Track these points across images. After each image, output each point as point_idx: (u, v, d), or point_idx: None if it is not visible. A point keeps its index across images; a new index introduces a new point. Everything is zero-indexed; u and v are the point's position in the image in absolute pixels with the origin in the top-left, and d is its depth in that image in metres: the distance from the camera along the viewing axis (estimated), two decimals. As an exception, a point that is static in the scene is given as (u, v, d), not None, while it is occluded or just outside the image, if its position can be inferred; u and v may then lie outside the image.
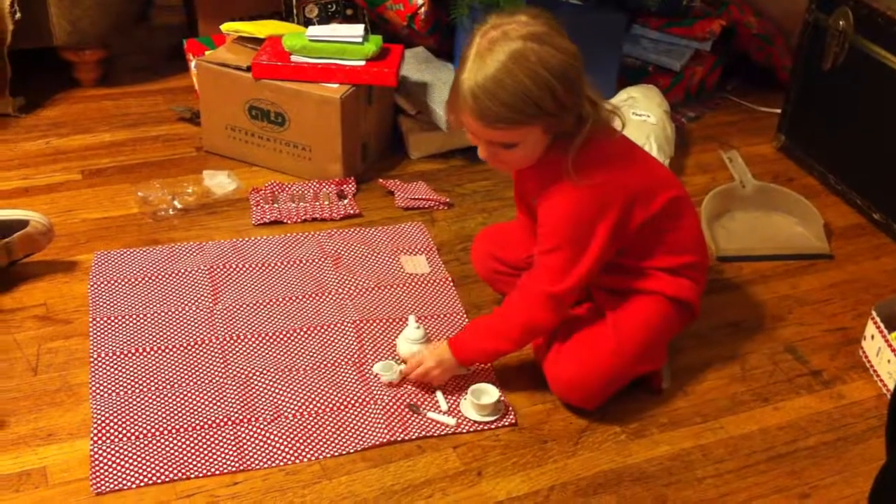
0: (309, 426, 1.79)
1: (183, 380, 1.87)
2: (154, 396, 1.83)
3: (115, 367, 1.89)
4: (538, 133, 1.67)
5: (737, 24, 3.09)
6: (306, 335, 2.00)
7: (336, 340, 1.99)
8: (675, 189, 1.84)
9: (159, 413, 1.79)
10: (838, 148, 2.62)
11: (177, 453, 1.71)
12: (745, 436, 1.84)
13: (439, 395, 1.87)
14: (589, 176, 1.69)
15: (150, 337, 1.97)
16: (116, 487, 1.65)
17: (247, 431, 1.77)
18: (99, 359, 1.91)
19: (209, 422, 1.78)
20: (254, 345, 1.97)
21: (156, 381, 1.86)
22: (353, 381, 1.89)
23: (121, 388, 1.84)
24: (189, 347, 1.95)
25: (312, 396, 1.85)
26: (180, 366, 1.90)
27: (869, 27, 2.43)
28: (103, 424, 1.75)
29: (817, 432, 1.86)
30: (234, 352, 1.95)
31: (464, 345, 1.82)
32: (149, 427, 1.76)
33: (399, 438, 1.78)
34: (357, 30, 2.50)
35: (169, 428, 1.76)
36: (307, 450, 1.74)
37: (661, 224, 1.79)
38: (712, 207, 2.45)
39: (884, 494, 1.39)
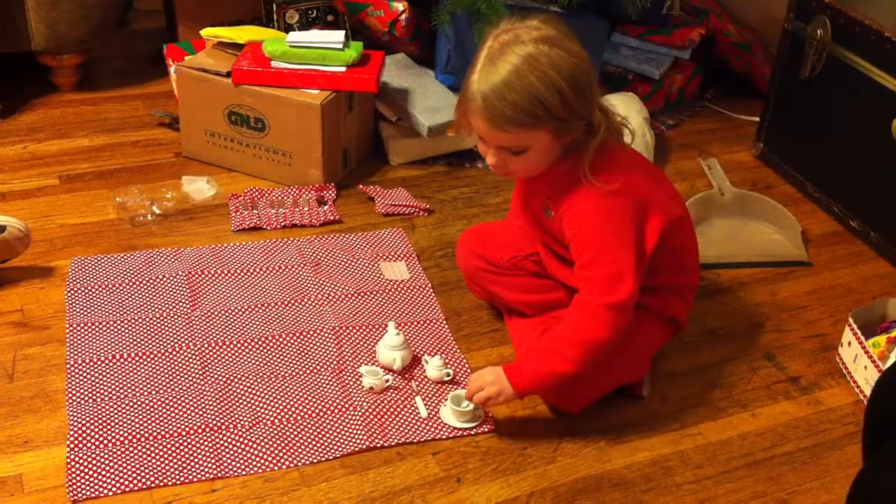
0: (288, 433, 1.78)
1: (161, 386, 1.86)
2: (131, 403, 1.81)
3: (92, 373, 1.87)
4: (547, 139, 1.66)
5: (716, 33, 3.11)
6: (285, 341, 2.00)
7: (315, 347, 1.99)
8: (683, 206, 1.87)
9: (137, 420, 1.78)
10: (816, 156, 2.64)
11: (154, 460, 1.70)
12: (723, 442, 1.85)
13: (418, 400, 1.86)
14: (608, 181, 1.69)
15: (128, 343, 1.96)
16: (93, 495, 1.64)
17: (225, 438, 1.76)
18: (76, 365, 1.89)
19: (187, 428, 1.77)
20: (232, 351, 1.96)
21: (133, 387, 1.85)
22: (333, 387, 1.89)
23: (98, 394, 1.83)
24: (167, 354, 1.94)
25: (291, 403, 1.84)
26: (158, 372, 1.89)
27: (847, 36, 2.45)
28: (80, 431, 1.74)
29: (795, 438, 1.87)
30: (212, 358, 1.94)
31: (518, 370, 1.73)
32: (126, 434, 1.75)
33: (378, 445, 1.77)
34: (338, 36, 2.50)
35: (146, 435, 1.75)
36: (286, 457, 1.74)
37: (669, 241, 1.79)
38: (691, 215, 2.44)
39: (860, 500, 1.40)
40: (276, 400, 1.85)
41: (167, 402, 1.82)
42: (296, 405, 1.84)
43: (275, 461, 1.73)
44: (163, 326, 2.01)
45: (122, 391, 1.84)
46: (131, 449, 1.72)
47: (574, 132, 1.68)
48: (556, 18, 1.68)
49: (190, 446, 1.74)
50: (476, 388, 1.76)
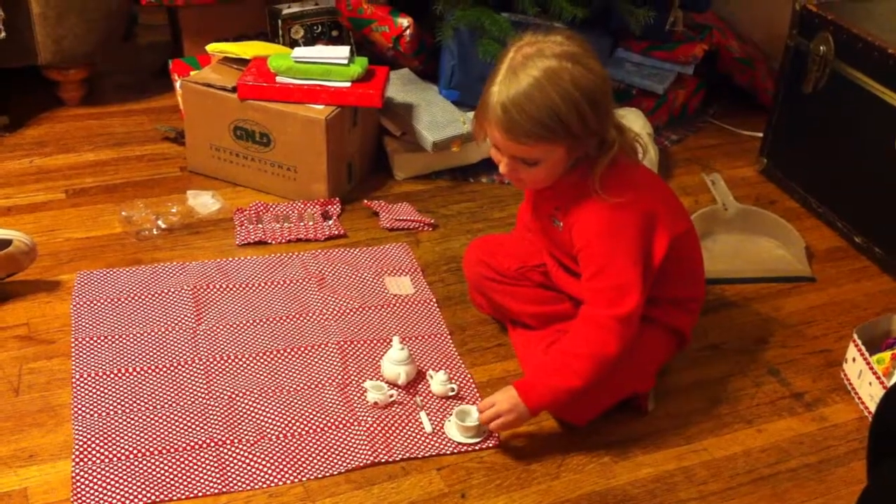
0: (292, 448, 1.78)
1: (166, 401, 1.86)
2: (136, 417, 1.82)
3: (98, 387, 1.88)
4: (561, 153, 1.68)
5: (719, 48, 3.12)
6: (290, 356, 2.00)
7: (320, 361, 1.99)
8: (689, 220, 1.88)
9: (142, 434, 1.78)
10: (819, 171, 2.64)
11: (159, 475, 1.70)
12: (728, 458, 1.85)
13: (423, 415, 1.86)
14: (617, 194, 1.71)
15: (133, 357, 1.96)
16: (98, 509, 1.64)
17: (230, 453, 1.76)
18: (81, 379, 1.89)
19: (192, 443, 1.77)
20: (237, 365, 1.96)
21: (138, 401, 1.85)
22: (337, 402, 1.89)
23: (103, 408, 1.83)
24: (172, 368, 1.94)
25: (296, 418, 1.84)
26: (163, 387, 1.89)
27: (849, 52, 2.46)
28: (85, 445, 1.74)
29: (800, 454, 1.86)
30: (217, 373, 1.94)
31: (530, 386, 1.73)
32: (131, 448, 1.75)
33: (383, 460, 1.77)
34: (342, 51, 2.51)
35: (151, 449, 1.75)
36: (291, 471, 1.74)
37: (675, 254, 1.80)
38: (695, 230, 2.46)
39: (866, 517, 1.40)
40: (280, 414, 1.85)
41: (172, 416, 1.82)
42: (300, 420, 1.84)
43: (280, 476, 1.73)
44: (168, 341, 2.01)
45: (127, 405, 1.84)
46: (136, 463, 1.72)
47: (587, 148, 1.70)
48: (580, 36, 1.70)
49: (195, 461, 1.74)
50: (493, 416, 1.75)
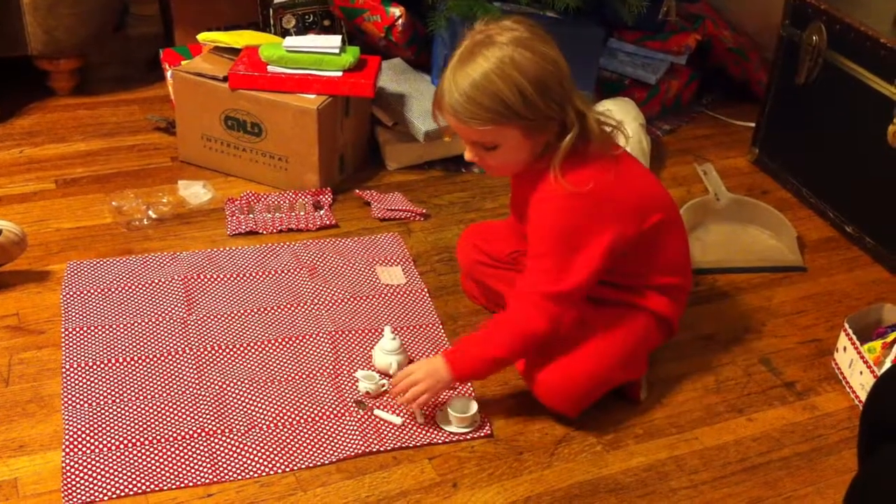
0: (284, 437, 1.78)
1: (156, 391, 1.86)
2: (127, 407, 1.81)
3: (88, 377, 1.87)
4: (517, 136, 1.69)
5: (712, 39, 3.11)
6: (281, 346, 1.99)
7: (311, 351, 1.99)
8: (667, 211, 1.85)
9: (132, 424, 1.78)
10: (812, 161, 2.64)
11: (150, 465, 1.70)
12: (719, 447, 1.85)
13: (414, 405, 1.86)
14: (578, 183, 1.70)
15: (124, 347, 1.95)
16: (89, 499, 1.63)
17: (221, 443, 1.76)
18: (71, 369, 1.89)
19: (183, 433, 1.77)
20: (228, 355, 1.96)
21: (129, 391, 1.85)
22: (329, 392, 1.88)
23: (93, 399, 1.82)
24: (163, 358, 1.94)
25: (287, 407, 1.84)
26: (154, 376, 1.89)
27: (842, 42, 2.46)
28: (75, 436, 1.74)
29: (791, 443, 1.87)
30: (208, 362, 1.94)
31: (458, 355, 1.77)
32: (122, 438, 1.74)
33: (374, 449, 1.77)
34: (334, 41, 2.50)
35: (142, 439, 1.75)
36: (282, 461, 1.73)
37: (653, 243, 1.81)
38: (687, 220, 2.44)
39: (856, 505, 1.40)
40: (271, 404, 1.85)
41: (163, 406, 1.82)
42: (292, 410, 1.84)
43: (271, 466, 1.72)
44: (159, 331, 2.01)
45: (117, 395, 1.84)
46: (127, 453, 1.72)
47: (546, 133, 1.70)
48: (530, 20, 1.73)
49: (185, 451, 1.73)
50: (407, 385, 1.76)
